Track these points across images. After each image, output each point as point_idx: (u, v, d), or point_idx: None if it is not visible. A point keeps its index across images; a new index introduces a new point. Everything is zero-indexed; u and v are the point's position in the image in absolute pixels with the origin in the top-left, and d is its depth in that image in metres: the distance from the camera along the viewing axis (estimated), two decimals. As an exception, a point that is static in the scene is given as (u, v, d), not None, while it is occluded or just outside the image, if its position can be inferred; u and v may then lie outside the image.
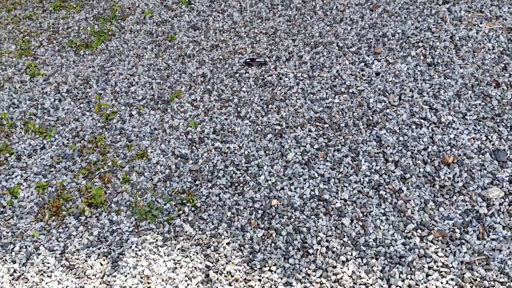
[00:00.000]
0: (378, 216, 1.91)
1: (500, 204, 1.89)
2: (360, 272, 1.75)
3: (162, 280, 1.78)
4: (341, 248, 1.83)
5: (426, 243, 1.81)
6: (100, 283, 1.79)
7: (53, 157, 2.28)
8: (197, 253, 1.85)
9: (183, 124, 2.37)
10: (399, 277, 1.72)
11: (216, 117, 2.38)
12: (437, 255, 1.77)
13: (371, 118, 2.30)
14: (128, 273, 1.81)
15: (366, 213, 1.93)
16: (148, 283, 1.77)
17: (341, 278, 1.74)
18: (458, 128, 2.20)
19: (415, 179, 2.02)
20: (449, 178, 2.01)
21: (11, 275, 1.85)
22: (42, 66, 2.74)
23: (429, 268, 1.74)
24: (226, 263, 1.82)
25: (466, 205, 1.91)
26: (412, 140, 2.17)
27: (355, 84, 2.48)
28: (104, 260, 1.86)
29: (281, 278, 1.76)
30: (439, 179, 2.01)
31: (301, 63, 2.63)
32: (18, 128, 2.44)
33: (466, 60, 2.51)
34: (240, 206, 2.00)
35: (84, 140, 2.34)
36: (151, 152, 2.25)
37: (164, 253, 1.86)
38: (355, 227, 1.89)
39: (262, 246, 1.86)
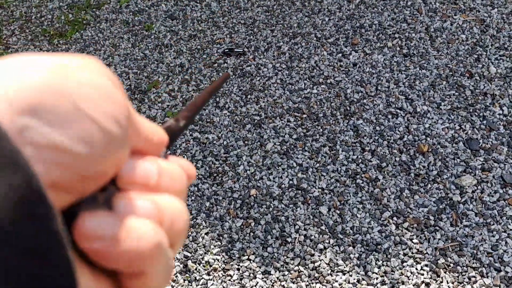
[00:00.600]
0: (355, 204, 1.94)
1: (473, 192, 1.94)
2: (337, 259, 1.78)
3: (141, 270, 1.78)
4: (318, 236, 1.85)
5: (402, 230, 1.85)
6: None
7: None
8: (176, 243, 1.85)
9: (160, 114, 2.35)
10: (375, 264, 1.75)
11: (194, 107, 2.38)
12: (412, 242, 1.81)
13: (348, 108, 2.32)
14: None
15: (343, 201, 1.96)
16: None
17: (319, 266, 1.76)
18: (432, 118, 2.24)
19: (391, 168, 2.06)
20: (424, 166, 2.05)
21: None
22: (15, 55, 2.69)
23: (404, 254, 1.78)
24: (205, 253, 1.82)
25: (440, 193, 1.95)
26: (388, 130, 2.20)
27: (333, 75, 2.50)
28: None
29: (260, 267, 1.77)
30: (414, 168, 2.05)
31: (280, 54, 2.63)
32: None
33: (441, 51, 2.55)
34: (219, 196, 2.00)
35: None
36: (129, 142, 2.23)
37: (143, 244, 1.86)
38: (333, 215, 1.92)
39: (240, 236, 1.87)
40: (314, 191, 2.00)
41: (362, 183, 2.01)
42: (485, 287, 1.69)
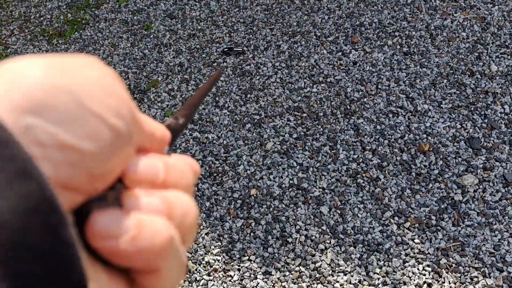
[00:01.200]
0: (356, 204, 1.93)
1: (475, 191, 1.93)
2: (338, 260, 1.77)
3: (141, 271, 1.76)
4: (319, 237, 1.84)
5: (403, 230, 1.84)
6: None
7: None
8: (176, 244, 1.84)
9: (160, 114, 2.34)
10: (377, 264, 1.74)
11: (194, 107, 2.36)
12: (414, 242, 1.80)
13: (348, 107, 2.31)
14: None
15: (344, 201, 1.94)
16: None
17: (320, 266, 1.75)
18: (433, 117, 2.23)
19: (392, 167, 2.05)
20: (425, 166, 2.04)
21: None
22: (13, 55, 2.67)
23: (406, 255, 1.77)
24: (205, 253, 1.81)
25: (442, 192, 1.94)
26: (389, 129, 2.19)
27: (333, 74, 2.48)
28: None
29: (260, 267, 1.76)
30: (416, 167, 2.04)
31: (279, 53, 2.62)
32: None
33: (441, 49, 2.54)
34: (219, 196, 1.99)
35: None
36: (128, 142, 2.22)
37: (142, 244, 1.85)
38: (334, 215, 1.90)
39: (241, 236, 1.86)
40: (315, 191, 1.98)
41: (363, 182, 2.00)
42: None
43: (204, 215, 1.93)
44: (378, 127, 2.20)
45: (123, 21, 2.88)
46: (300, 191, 1.99)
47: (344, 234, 1.84)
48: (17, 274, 0.15)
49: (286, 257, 1.79)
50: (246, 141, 2.20)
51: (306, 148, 2.15)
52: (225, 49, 2.64)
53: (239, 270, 1.76)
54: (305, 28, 2.75)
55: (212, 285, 1.75)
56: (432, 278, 1.70)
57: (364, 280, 1.72)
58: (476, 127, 2.15)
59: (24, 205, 0.16)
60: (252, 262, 1.78)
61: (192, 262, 1.78)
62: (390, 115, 2.25)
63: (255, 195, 1.98)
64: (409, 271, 1.72)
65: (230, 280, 1.76)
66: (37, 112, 0.18)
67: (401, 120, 2.23)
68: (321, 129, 2.23)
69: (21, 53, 2.67)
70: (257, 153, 2.14)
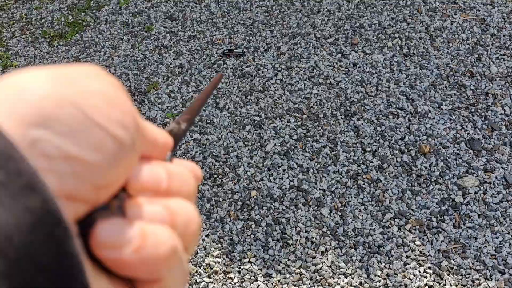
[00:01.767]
0: (357, 205, 1.93)
1: (476, 193, 1.93)
2: (339, 262, 1.76)
3: (141, 273, 1.76)
4: (320, 238, 1.84)
5: (404, 232, 1.84)
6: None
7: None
8: (176, 246, 1.84)
9: (160, 116, 2.34)
10: (378, 266, 1.74)
11: (194, 109, 2.36)
12: (415, 244, 1.80)
13: (348, 108, 2.31)
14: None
15: (345, 203, 1.94)
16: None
17: (321, 268, 1.75)
18: (434, 118, 2.23)
19: (393, 169, 2.05)
20: (425, 167, 2.04)
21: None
22: (14, 57, 2.67)
23: (407, 257, 1.76)
24: (205, 255, 1.81)
25: (443, 194, 1.94)
26: (389, 130, 2.19)
27: (333, 75, 2.48)
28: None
29: (261, 270, 1.76)
30: (416, 169, 2.04)
31: (279, 54, 2.62)
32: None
33: (441, 51, 2.54)
34: (219, 198, 1.99)
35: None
36: (128, 144, 2.22)
37: (143, 246, 1.84)
38: (334, 217, 1.90)
39: (241, 238, 1.86)
40: (315, 192, 1.98)
41: (364, 184, 2.00)
42: (488, 289, 1.67)
43: (204, 217, 1.93)
44: (379, 128, 2.20)
45: (123, 23, 2.88)
46: (301, 193, 1.98)
47: (344, 236, 1.84)
48: (21, 287, 0.15)
49: (286, 259, 1.78)
50: (246, 143, 2.20)
51: (307, 149, 2.15)
52: (225, 51, 2.64)
53: (239, 272, 1.76)
54: (305, 29, 2.75)
55: (212, 287, 1.74)
56: (434, 281, 1.70)
57: (365, 282, 1.71)
58: (477, 129, 2.15)
59: (29, 218, 0.16)
60: (252, 264, 1.78)
61: (192, 264, 1.78)
62: (390, 117, 2.25)
63: (255, 197, 1.98)
64: (410, 273, 1.71)
65: (230, 283, 1.75)
66: (43, 124, 0.19)
67: (401, 121, 2.22)
68: (321, 130, 2.23)
69: (22, 55, 2.68)
70: (257, 155, 2.14)
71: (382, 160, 2.08)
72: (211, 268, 1.77)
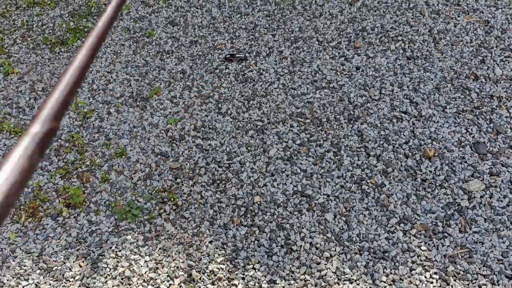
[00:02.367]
0: (361, 210, 1.91)
1: (481, 197, 1.90)
2: (344, 268, 1.74)
3: (144, 280, 1.75)
4: (324, 244, 1.82)
5: (409, 237, 1.82)
6: (79, 286, 1.74)
7: (29, 158, 2.21)
8: (179, 253, 1.82)
9: (162, 122, 2.32)
10: (383, 272, 1.72)
11: (197, 114, 2.35)
12: (420, 249, 1.77)
13: (352, 112, 2.29)
14: (108, 275, 1.77)
15: (349, 208, 1.92)
16: (129, 284, 1.74)
17: (325, 275, 1.73)
18: (438, 121, 2.21)
19: (397, 173, 2.03)
20: (430, 171, 2.02)
21: (-14, 280, 1.79)
22: (16, 64, 2.67)
23: (413, 262, 1.74)
24: (209, 262, 1.79)
25: (448, 198, 1.91)
26: (393, 134, 2.17)
27: (336, 79, 2.47)
28: (83, 261, 1.82)
29: (265, 276, 1.74)
30: (421, 173, 2.02)
31: (282, 58, 2.61)
32: (-8, 128, 2.37)
33: (445, 53, 2.52)
34: (222, 204, 1.97)
35: (61, 139, 2.28)
36: (131, 150, 2.21)
37: (145, 253, 1.83)
38: (339, 222, 1.88)
39: (245, 244, 1.84)
40: (319, 197, 1.96)
41: (368, 189, 1.98)
42: (496, 295, 1.65)
43: (207, 223, 1.91)
44: (382, 132, 2.19)
45: (125, 28, 2.87)
46: (304, 198, 1.97)
47: (349, 242, 1.82)
48: None
49: (291, 265, 1.76)
50: (249, 148, 2.18)
51: (310, 154, 2.13)
52: (227, 56, 2.63)
53: (243, 279, 1.74)
54: (307, 33, 2.74)
55: (216, 294, 1.73)
56: (440, 286, 1.68)
57: (370, 288, 1.69)
58: (482, 132, 2.13)
59: None
60: (256, 270, 1.76)
61: (196, 271, 1.76)
62: (394, 120, 2.23)
63: (259, 203, 1.96)
64: (416, 279, 1.69)
65: (234, 289, 1.73)
66: None
67: (405, 125, 2.21)
68: (325, 135, 2.21)
69: (24, 62, 2.67)
70: (260, 160, 2.12)
71: (387, 165, 2.06)
72: (215, 275, 1.75)
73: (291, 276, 1.74)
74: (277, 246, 1.82)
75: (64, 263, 1.82)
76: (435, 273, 1.70)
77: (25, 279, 1.78)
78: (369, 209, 1.91)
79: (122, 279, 1.76)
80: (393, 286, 1.69)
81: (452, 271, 1.70)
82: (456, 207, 1.88)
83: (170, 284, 1.73)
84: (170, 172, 2.11)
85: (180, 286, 1.73)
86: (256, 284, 1.72)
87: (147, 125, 2.31)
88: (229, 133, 2.25)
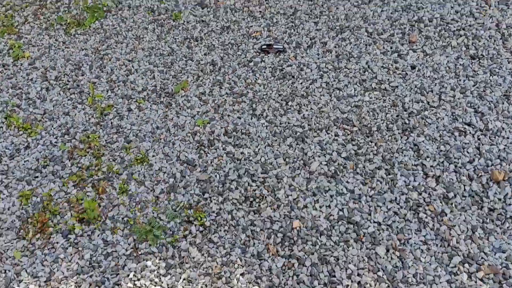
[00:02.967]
0: (418, 244, 1.64)
1: None
2: (399, 318, 1.49)
3: (166, 320, 1.51)
4: (375, 285, 1.56)
5: (475, 281, 1.54)
6: (93, 322, 1.52)
7: (39, 159, 1.97)
8: (206, 286, 1.58)
9: (189, 123, 2.05)
10: (447, 326, 1.46)
11: (228, 115, 2.07)
12: (491, 300, 1.50)
13: (407, 121, 1.99)
14: (126, 310, 1.54)
15: (404, 240, 1.65)
16: (149, 323, 1.51)
17: (377, 325, 1.47)
18: (508, 137, 1.90)
19: (460, 200, 1.74)
20: (499, 199, 1.73)
21: (-12, 307, 1.58)
22: (27, 47, 2.40)
23: (482, 316, 1.48)
24: (241, 301, 1.55)
25: (523, 236, 1.63)
26: (455, 151, 1.87)
27: (388, 79, 2.15)
28: (97, 291, 1.59)
29: (306, 323, 1.49)
30: (488, 200, 1.73)
31: (325, 51, 2.29)
32: None
33: (516, 54, 2.18)
34: (256, 227, 1.71)
35: (75, 139, 2.03)
36: (153, 156, 1.95)
37: (167, 284, 1.59)
38: (391, 258, 1.61)
39: (282, 279, 1.59)
40: (369, 225, 1.69)
41: (426, 217, 1.70)
42: None
43: (239, 250, 1.66)
44: (442, 147, 1.89)
45: (148, 9, 2.57)
46: (352, 226, 1.70)
47: (404, 283, 1.55)
48: None
49: (335, 309, 1.51)
50: (287, 159, 1.90)
51: (358, 170, 1.85)
52: (263, 46, 2.32)
53: (280, 322, 1.50)
54: (354, 22, 2.41)
55: None
56: None
57: None
58: (562, 154, 1.82)
59: None
60: (295, 313, 1.51)
61: (224, 308, 1.53)
62: (456, 134, 1.92)
63: (298, 228, 1.70)
64: None
65: (269, 334, 1.50)
66: None
67: (469, 140, 1.90)
68: (375, 147, 1.92)
69: (35, 44, 2.40)
70: (300, 175, 1.85)
71: (447, 188, 1.77)
72: (247, 316, 1.52)
73: (337, 324, 1.49)
74: (319, 283, 1.57)
75: (76, 292, 1.59)
76: (510, 332, 1.44)
77: (31, 309, 1.56)
78: (427, 243, 1.64)
79: (140, 316, 1.53)
80: None
81: (530, 332, 1.43)
82: (533, 248, 1.60)
83: (195, 326, 1.50)
84: (197, 184, 1.85)
85: (207, 329, 1.50)
86: (295, 331, 1.48)
87: (172, 126, 2.04)
88: (264, 140, 1.98)
